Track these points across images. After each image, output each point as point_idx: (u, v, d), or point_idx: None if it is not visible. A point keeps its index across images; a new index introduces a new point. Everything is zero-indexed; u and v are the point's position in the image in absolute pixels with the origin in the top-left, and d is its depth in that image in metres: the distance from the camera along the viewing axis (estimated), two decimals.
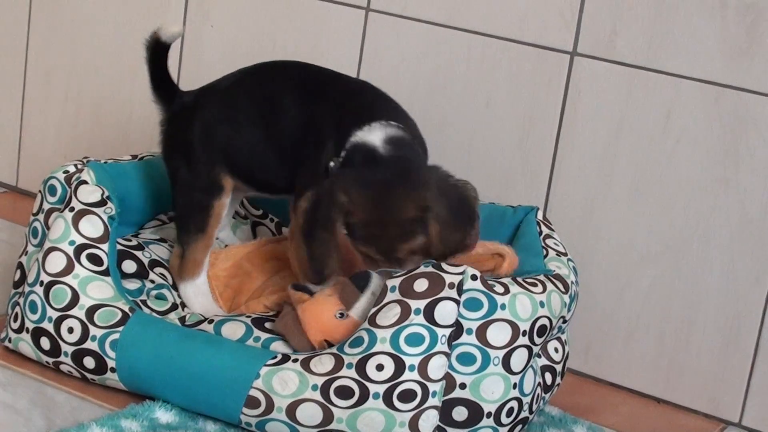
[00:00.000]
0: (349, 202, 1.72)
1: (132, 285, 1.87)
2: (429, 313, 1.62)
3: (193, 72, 2.33)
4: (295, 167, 1.86)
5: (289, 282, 1.85)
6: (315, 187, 1.77)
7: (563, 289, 1.75)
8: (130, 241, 1.93)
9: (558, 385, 1.84)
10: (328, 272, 1.75)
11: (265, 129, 1.89)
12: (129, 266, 1.88)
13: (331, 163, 1.79)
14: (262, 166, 1.90)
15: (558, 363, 1.82)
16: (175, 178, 1.93)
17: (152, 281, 1.90)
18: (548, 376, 1.79)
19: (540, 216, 1.97)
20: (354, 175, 1.75)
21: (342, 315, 1.71)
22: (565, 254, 1.88)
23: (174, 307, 1.86)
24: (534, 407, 1.74)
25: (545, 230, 1.93)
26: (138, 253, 1.91)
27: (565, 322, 1.79)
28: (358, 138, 1.79)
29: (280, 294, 1.86)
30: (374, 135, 1.79)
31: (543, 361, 1.79)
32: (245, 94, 1.91)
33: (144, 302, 1.86)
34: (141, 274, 1.89)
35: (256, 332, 1.75)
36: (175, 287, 1.92)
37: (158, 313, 1.84)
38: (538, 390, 1.74)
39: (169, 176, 1.94)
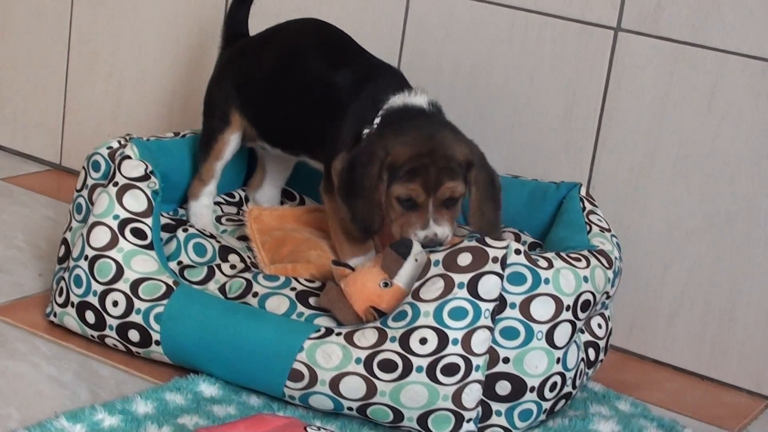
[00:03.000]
0: (389, 153, 1.75)
1: (170, 248, 1.88)
2: (473, 287, 1.61)
3: None
4: (306, 126, 1.90)
5: (327, 248, 1.86)
6: (348, 149, 1.80)
7: (607, 265, 1.74)
8: (174, 217, 1.96)
9: (601, 361, 1.83)
10: (374, 228, 1.77)
11: (282, 79, 1.94)
12: (164, 224, 1.92)
13: (366, 129, 1.81)
14: (272, 113, 1.96)
15: (601, 339, 1.81)
16: (204, 106, 2.04)
17: (186, 229, 1.92)
18: (591, 352, 1.79)
19: (583, 192, 1.96)
20: (394, 128, 1.77)
21: (386, 284, 1.71)
22: (609, 230, 1.87)
23: (211, 273, 1.86)
24: (577, 382, 1.73)
25: (588, 206, 1.92)
26: (169, 219, 1.97)
27: (608, 297, 1.78)
28: (398, 100, 1.82)
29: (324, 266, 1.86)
30: (419, 98, 1.83)
31: (586, 336, 1.78)
32: (272, 43, 1.99)
33: (183, 269, 1.86)
34: (175, 227, 1.93)
35: (300, 308, 1.75)
36: (210, 236, 1.94)
37: (195, 283, 1.84)
38: (582, 365, 1.74)
39: (203, 103, 2.06)
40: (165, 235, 1.90)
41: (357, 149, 1.79)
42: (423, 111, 1.82)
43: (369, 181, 1.75)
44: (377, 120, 1.81)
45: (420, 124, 1.78)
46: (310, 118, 1.90)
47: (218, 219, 2.07)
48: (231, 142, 2.01)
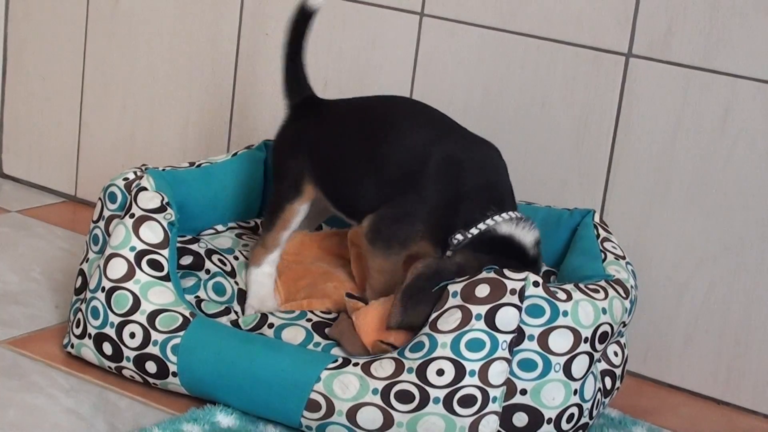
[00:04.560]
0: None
1: (188, 282, 1.89)
2: (490, 318, 1.62)
3: (249, 80, 2.35)
4: (386, 197, 1.82)
5: (345, 278, 1.87)
6: (438, 260, 1.73)
7: (624, 295, 1.74)
8: (185, 236, 1.95)
9: (618, 388, 1.83)
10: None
11: (370, 152, 1.85)
12: (185, 259, 1.90)
13: (458, 236, 1.76)
14: (353, 187, 1.86)
15: (617, 367, 1.81)
16: (275, 172, 1.97)
17: (208, 271, 1.91)
18: (608, 381, 1.78)
19: (597, 219, 1.96)
20: (485, 263, 1.69)
21: None
22: (624, 257, 1.87)
23: (227, 310, 1.87)
24: (594, 413, 1.73)
25: (603, 233, 1.92)
26: (193, 246, 1.93)
27: (624, 326, 1.78)
28: (503, 228, 1.75)
29: (340, 299, 1.87)
30: (526, 235, 1.76)
31: (603, 365, 1.78)
32: (360, 115, 1.91)
33: (200, 302, 1.87)
34: (197, 264, 1.90)
35: (317, 338, 1.76)
36: (232, 274, 1.93)
37: (210, 315, 1.84)
38: (599, 395, 1.74)
39: (272, 167, 1.99)
40: (187, 259, 1.90)
41: (448, 264, 1.71)
42: (526, 254, 1.74)
43: (431, 306, 1.68)
44: (473, 233, 1.75)
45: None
46: (393, 190, 1.82)
47: (239, 236, 2.07)
48: (300, 213, 1.93)
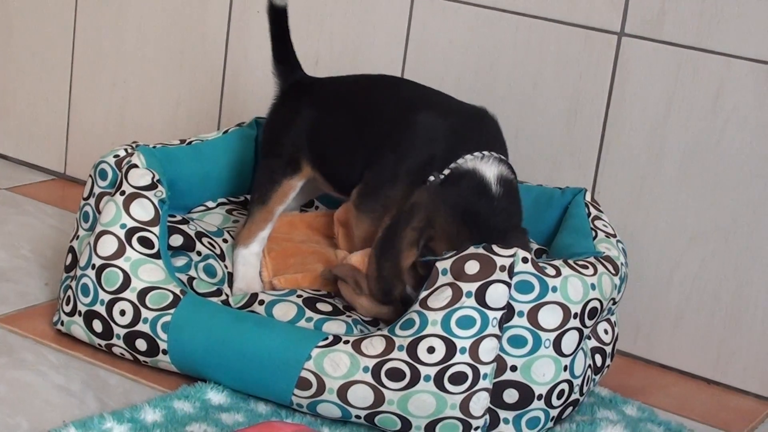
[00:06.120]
0: (436, 230, 1.70)
1: (179, 261, 1.88)
2: (480, 295, 1.62)
3: (239, 57, 2.34)
4: (372, 164, 1.85)
5: (335, 258, 1.88)
6: (402, 203, 1.75)
7: (613, 271, 1.74)
8: (175, 217, 1.94)
9: (608, 366, 1.83)
10: (396, 294, 1.74)
11: (359, 129, 1.89)
12: (175, 240, 1.88)
13: (431, 177, 1.78)
14: (346, 165, 1.89)
15: (608, 344, 1.81)
16: (264, 150, 1.98)
17: (199, 253, 1.90)
18: (598, 358, 1.79)
19: (588, 197, 1.96)
20: (454, 205, 1.72)
21: None
22: (614, 235, 1.87)
23: (218, 292, 1.86)
24: (584, 389, 1.73)
25: (594, 212, 1.92)
26: (183, 227, 1.92)
27: (614, 303, 1.79)
28: (468, 163, 1.77)
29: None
30: (489, 168, 1.77)
31: (593, 342, 1.78)
32: (351, 94, 1.94)
33: (191, 280, 1.87)
34: (188, 245, 1.89)
35: (308, 313, 1.76)
36: (222, 257, 1.93)
37: (201, 295, 1.83)
38: (589, 372, 1.74)
39: (261, 145, 2.00)
40: (177, 238, 1.90)
41: (408, 209, 1.73)
42: (486, 191, 1.75)
43: (403, 243, 1.71)
44: (447, 171, 1.77)
45: (476, 215, 1.72)
46: (377, 159, 1.85)
47: (229, 212, 2.07)
48: (297, 188, 1.95)
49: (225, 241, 1.97)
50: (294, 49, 2.01)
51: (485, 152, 1.78)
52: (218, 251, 1.93)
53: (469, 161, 1.77)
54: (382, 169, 1.83)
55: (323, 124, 1.93)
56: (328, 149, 1.92)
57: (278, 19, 1.99)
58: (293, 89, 2.00)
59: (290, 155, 1.93)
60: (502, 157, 1.81)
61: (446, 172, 1.77)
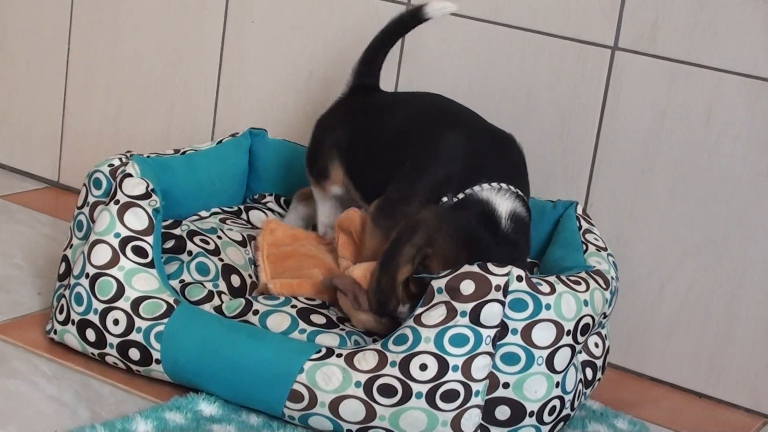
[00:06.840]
0: (434, 249, 1.70)
1: (172, 267, 1.88)
2: (475, 315, 1.61)
3: (234, 67, 2.34)
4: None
5: (332, 263, 1.88)
6: (415, 215, 1.75)
7: (604, 286, 1.74)
8: (167, 221, 1.94)
9: (599, 379, 1.84)
10: (391, 307, 1.74)
11: (390, 142, 1.91)
12: (166, 243, 1.89)
13: (444, 198, 1.78)
14: (378, 178, 1.90)
15: (598, 358, 1.81)
16: (312, 139, 2.03)
17: (190, 252, 1.90)
18: (589, 372, 1.79)
19: (579, 210, 1.97)
20: (457, 228, 1.72)
21: None
22: (605, 249, 1.87)
23: (210, 296, 1.86)
24: (575, 404, 1.74)
25: (585, 225, 1.92)
26: (174, 231, 1.92)
27: (605, 317, 1.79)
28: (484, 193, 1.77)
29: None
30: (504, 203, 1.76)
31: (583, 356, 1.78)
32: (391, 106, 1.98)
33: (185, 286, 1.86)
34: (179, 247, 1.89)
35: (302, 324, 1.76)
36: (215, 252, 1.92)
37: (193, 302, 1.84)
38: (580, 386, 1.74)
39: (309, 142, 2.05)
40: (171, 266, 1.90)
41: (416, 225, 1.72)
42: (496, 226, 1.74)
43: (401, 258, 1.71)
44: (461, 196, 1.77)
45: (479, 246, 1.71)
46: (400, 172, 1.86)
47: (223, 221, 2.07)
48: (329, 191, 2.01)
49: (219, 237, 1.97)
50: (383, 59, 2.04)
51: (503, 185, 1.77)
52: (212, 247, 1.93)
53: (485, 191, 1.77)
54: (401, 184, 1.83)
55: (362, 132, 1.96)
56: (360, 158, 1.95)
57: (404, 28, 2.02)
58: (355, 91, 2.03)
59: (324, 160, 1.98)
60: (520, 192, 1.79)
61: (460, 196, 1.77)
